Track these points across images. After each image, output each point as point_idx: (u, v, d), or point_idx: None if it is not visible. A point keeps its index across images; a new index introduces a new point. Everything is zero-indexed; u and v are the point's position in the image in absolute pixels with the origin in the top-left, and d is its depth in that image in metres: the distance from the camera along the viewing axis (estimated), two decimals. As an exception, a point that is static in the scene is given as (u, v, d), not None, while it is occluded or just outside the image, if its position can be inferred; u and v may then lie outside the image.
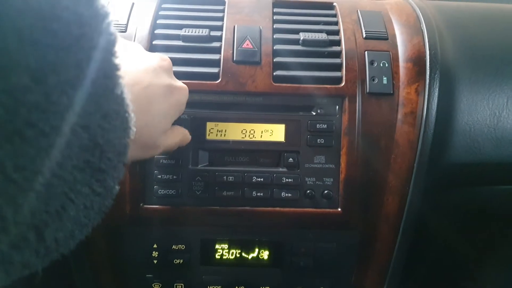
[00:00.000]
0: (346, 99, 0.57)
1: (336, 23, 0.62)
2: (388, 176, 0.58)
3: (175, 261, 0.59)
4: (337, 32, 0.61)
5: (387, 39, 0.61)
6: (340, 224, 0.58)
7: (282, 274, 0.61)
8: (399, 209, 0.58)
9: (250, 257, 0.61)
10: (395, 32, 0.62)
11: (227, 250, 0.61)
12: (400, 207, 0.58)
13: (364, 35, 0.61)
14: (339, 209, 0.57)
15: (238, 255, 0.61)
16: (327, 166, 0.57)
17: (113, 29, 0.27)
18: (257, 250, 0.61)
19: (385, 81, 0.58)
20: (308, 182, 0.57)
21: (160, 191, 0.56)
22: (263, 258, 0.61)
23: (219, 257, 0.61)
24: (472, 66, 0.61)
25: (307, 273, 0.60)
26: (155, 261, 0.59)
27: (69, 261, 0.61)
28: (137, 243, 0.59)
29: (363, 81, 0.58)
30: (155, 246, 0.59)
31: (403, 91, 0.58)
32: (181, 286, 0.60)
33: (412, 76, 0.58)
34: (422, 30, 0.60)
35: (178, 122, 0.54)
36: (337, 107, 0.57)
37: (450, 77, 0.58)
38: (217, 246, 0.60)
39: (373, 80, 0.58)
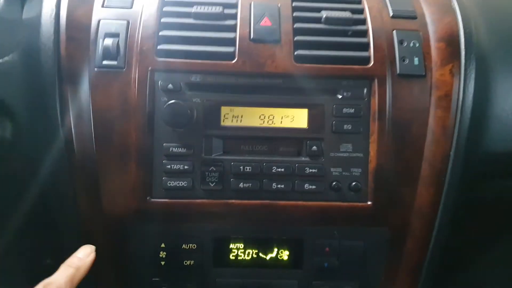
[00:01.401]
0: (375, 81, 0.51)
1: (360, 2, 0.57)
2: (422, 166, 0.52)
3: (185, 263, 0.53)
4: (361, 11, 0.56)
5: (415, 18, 0.56)
6: (369, 219, 0.52)
7: (303, 276, 0.55)
8: (434, 202, 0.52)
9: (268, 257, 0.55)
10: (424, 11, 0.57)
11: (242, 250, 0.55)
12: (435, 200, 0.52)
13: (391, 14, 0.56)
14: (369, 203, 0.51)
15: (255, 255, 0.55)
16: (354, 155, 0.52)
17: None
18: (276, 249, 0.55)
19: (416, 62, 0.53)
20: (333, 173, 0.52)
21: (169, 183, 0.50)
22: (282, 259, 0.55)
23: (233, 257, 0.55)
24: (506, 49, 0.56)
25: (331, 274, 0.55)
26: (162, 263, 0.53)
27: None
28: (143, 242, 0.52)
29: (393, 62, 0.53)
30: (162, 245, 0.52)
31: (436, 73, 0.53)
32: (192, 290, 0.54)
33: (445, 57, 0.53)
34: (453, 9, 0.56)
35: (190, 105, 0.49)
36: (365, 90, 0.52)
37: (485, 58, 0.53)
38: (231, 246, 0.54)
39: (403, 60, 0.53)
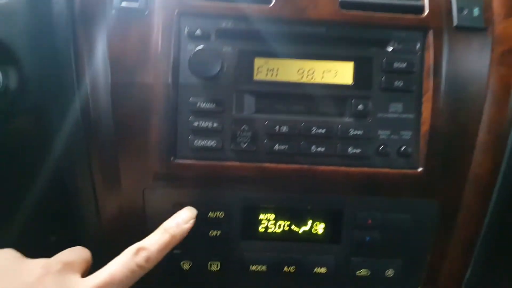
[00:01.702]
0: (430, 33, 0.45)
1: None
2: (480, 130, 0.46)
3: (211, 233, 0.48)
4: None
5: None
6: (419, 188, 0.47)
7: (341, 251, 0.49)
8: (492, 172, 0.46)
9: (301, 230, 0.50)
10: None
11: (273, 221, 0.49)
12: (494, 169, 0.46)
13: None
14: (420, 169, 0.46)
15: (287, 228, 0.50)
16: (405, 116, 0.46)
17: None
18: (311, 221, 0.49)
19: (476, 13, 0.47)
20: (381, 136, 0.46)
21: (196, 142, 0.44)
22: (317, 232, 0.50)
23: (263, 229, 0.49)
24: None
25: (372, 251, 0.49)
26: (185, 233, 0.48)
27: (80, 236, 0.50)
28: (164, 209, 0.46)
29: (449, 13, 0.46)
30: (186, 213, 0.47)
31: (499, 26, 0.47)
32: (217, 265, 0.49)
33: (510, 8, 0.47)
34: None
35: (220, 55, 0.43)
36: (419, 42, 0.46)
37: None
38: (261, 216, 0.49)
39: (462, 11, 0.46)
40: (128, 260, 0.37)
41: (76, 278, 0.35)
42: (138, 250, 0.38)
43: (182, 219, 0.43)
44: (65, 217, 0.51)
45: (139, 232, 0.47)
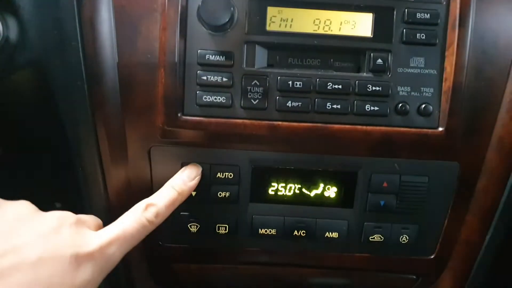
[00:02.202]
0: (457, -20, 0.42)
1: None
2: (506, 88, 0.43)
3: (219, 194, 0.46)
4: None
5: None
6: (439, 150, 0.44)
7: (354, 216, 0.48)
8: (517, 133, 0.44)
9: (313, 193, 0.48)
10: None
11: (284, 184, 0.48)
12: (519, 130, 0.44)
13: None
14: (440, 129, 0.43)
15: (298, 191, 0.48)
16: (426, 71, 0.43)
17: None
18: (322, 184, 0.48)
19: (507, -40, 0.43)
20: (400, 92, 0.43)
21: (204, 98, 0.42)
22: (329, 196, 0.48)
23: (273, 192, 0.48)
24: None
25: (387, 215, 0.47)
26: (193, 194, 0.45)
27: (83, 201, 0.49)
28: (171, 169, 0.45)
29: None
30: (194, 173, 0.45)
31: (532, -27, 0.43)
32: (225, 227, 0.47)
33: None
34: None
35: (231, 3, 0.40)
36: (444, -9, 0.43)
37: None
38: (272, 178, 0.47)
39: (492, -43, 0.43)
40: (139, 215, 0.38)
41: (90, 231, 0.36)
42: (148, 206, 0.39)
43: (188, 176, 0.43)
44: (70, 181, 0.50)
45: (145, 192, 0.46)
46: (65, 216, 0.36)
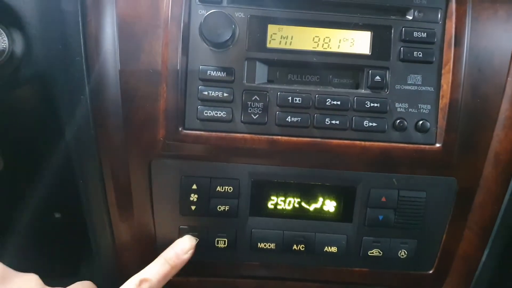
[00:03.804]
0: (453, 0, 0.43)
1: None
2: (502, 105, 0.44)
3: (219, 208, 0.46)
4: None
5: None
6: (436, 165, 0.45)
7: (353, 230, 0.48)
8: (513, 149, 0.45)
9: (312, 208, 0.48)
10: None
11: (283, 198, 0.48)
12: (515, 146, 0.45)
13: None
14: (438, 145, 0.44)
15: (297, 205, 0.48)
16: (424, 88, 0.44)
17: None
18: (321, 198, 0.48)
19: (501, -19, 0.45)
20: (398, 109, 0.44)
21: (205, 112, 0.43)
22: (328, 210, 0.48)
23: (272, 206, 0.48)
24: None
25: (385, 230, 0.47)
26: (193, 207, 0.46)
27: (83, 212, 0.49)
28: (171, 182, 0.45)
29: None
30: (194, 186, 0.45)
31: (526, -5, 0.45)
32: (224, 241, 0.47)
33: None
34: None
35: (232, 21, 0.41)
36: (440, 11, 0.44)
37: None
38: (271, 192, 0.47)
39: (486, -22, 0.44)
40: None
41: None
42: (141, 282, 0.39)
43: (182, 250, 0.44)
44: (70, 193, 0.50)
45: (145, 205, 0.46)
46: None
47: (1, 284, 0.35)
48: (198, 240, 0.46)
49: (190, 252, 0.44)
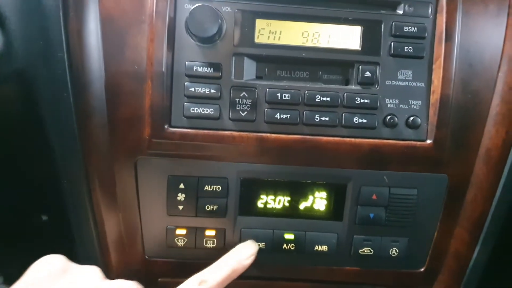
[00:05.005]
0: (444, -5, 0.43)
1: None
2: (493, 101, 0.44)
3: (207, 208, 0.45)
4: None
5: None
6: (427, 162, 0.44)
7: (343, 228, 0.47)
8: (504, 145, 0.44)
9: (302, 206, 0.48)
10: None
11: (272, 197, 0.47)
12: (506, 141, 0.44)
13: None
14: (428, 141, 0.43)
15: (287, 204, 0.47)
16: (414, 84, 0.43)
17: None
18: (312, 196, 0.47)
19: (492, -25, 0.44)
20: (389, 105, 0.43)
21: (192, 110, 0.42)
22: (318, 208, 0.47)
23: (262, 205, 0.47)
24: None
25: (376, 228, 0.47)
26: (180, 207, 0.45)
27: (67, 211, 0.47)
28: (158, 182, 0.44)
29: None
30: (181, 186, 0.44)
31: (516, -11, 0.44)
32: (213, 241, 0.46)
33: (528, -30, 0.44)
34: None
35: (219, 15, 0.40)
36: (431, 5, 0.43)
37: None
38: (261, 191, 0.47)
39: (477, -27, 0.44)
40: None
41: None
42: (201, 283, 0.39)
43: (245, 255, 0.43)
44: (54, 193, 0.49)
45: (131, 204, 0.45)
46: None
47: (62, 276, 0.35)
48: (260, 245, 0.46)
49: (252, 258, 0.43)
